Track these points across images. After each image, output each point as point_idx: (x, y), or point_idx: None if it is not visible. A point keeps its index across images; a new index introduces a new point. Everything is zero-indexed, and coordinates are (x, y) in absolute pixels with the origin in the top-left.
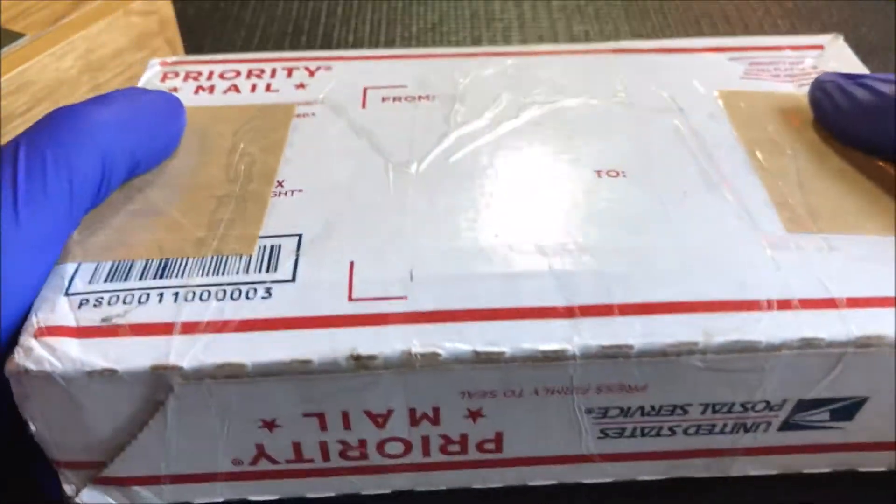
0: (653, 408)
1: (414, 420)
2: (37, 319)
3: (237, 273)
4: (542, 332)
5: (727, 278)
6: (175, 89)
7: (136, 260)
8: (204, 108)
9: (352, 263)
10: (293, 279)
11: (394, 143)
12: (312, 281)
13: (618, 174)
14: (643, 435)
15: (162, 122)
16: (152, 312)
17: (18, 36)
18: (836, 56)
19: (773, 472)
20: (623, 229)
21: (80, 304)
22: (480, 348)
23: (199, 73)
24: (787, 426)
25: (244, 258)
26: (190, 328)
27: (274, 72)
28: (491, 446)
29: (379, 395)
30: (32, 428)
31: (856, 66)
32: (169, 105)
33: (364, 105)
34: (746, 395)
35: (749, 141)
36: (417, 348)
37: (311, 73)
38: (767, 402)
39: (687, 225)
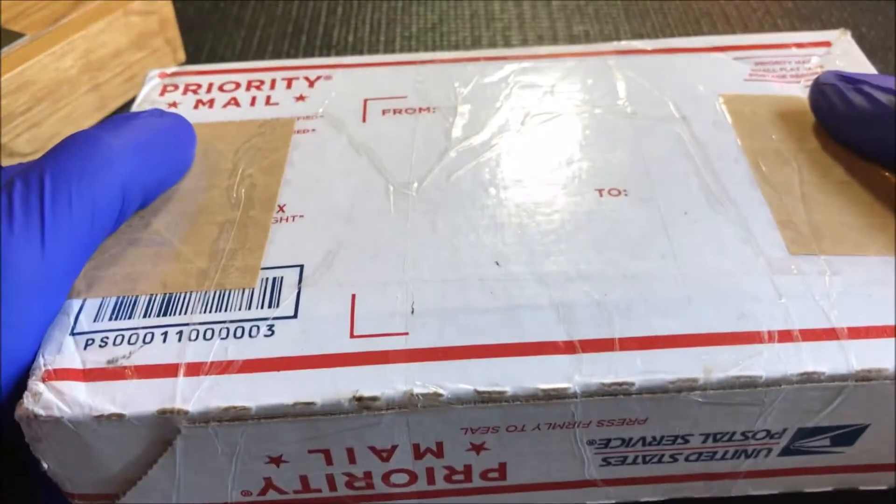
0: (654, 438)
1: (418, 454)
2: (44, 361)
3: (239, 309)
4: (544, 370)
5: (728, 308)
6: (175, 104)
7: (139, 295)
8: (204, 124)
9: (353, 296)
10: (295, 315)
11: (394, 161)
12: (314, 317)
13: (619, 193)
14: (645, 462)
15: (176, 150)
16: (157, 353)
17: (18, 36)
18: (843, 54)
19: (775, 492)
20: (624, 254)
21: (86, 345)
22: (482, 388)
23: (199, 86)
24: (787, 451)
25: (247, 292)
26: (194, 369)
27: (273, 83)
28: (495, 475)
29: (382, 432)
30: (45, 465)
31: (863, 64)
32: (182, 131)
33: (364, 119)
34: (747, 425)
35: (753, 151)
36: (419, 389)
37: (311, 84)
38: (768, 431)
39: (688, 248)
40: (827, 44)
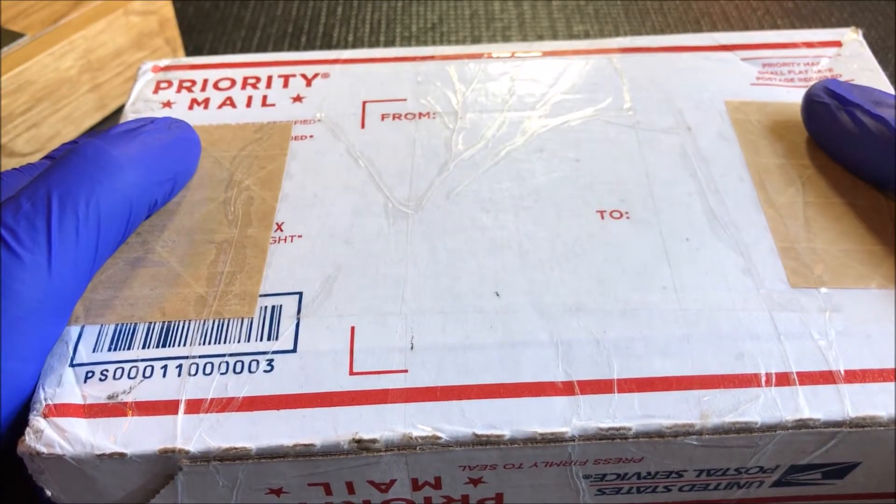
0: (649, 473)
1: (416, 486)
2: (45, 395)
3: (238, 341)
4: (542, 412)
5: (727, 347)
6: (169, 104)
7: (138, 323)
8: (200, 128)
9: (352, 329)
10: (294, 349)
11: (394, 174)
12: (314, 351)
13: (621, 215)
14: (639, 492)
15: (183, 164)
16: (157, 388)
17: (18, 36)
18: (853, 56)
19: None
20: (625, 285)
21: (86, 377)
22: (480, 431)
23: (193, 83)
24: (779, 483)
25: (245, 322)
26: (195, 406)
27: (270, 80)
28: (492, 503)
29: (381, 469)
30: (48, 493)
31: (872, 67)
32: (190, 145)
33: (363, 125)
34: (740, 462)
35: (758, 168)
36: (418, 431)
37: (308, 82)
38: (761, 468)
39: (689, 280)
40: (837, 43)
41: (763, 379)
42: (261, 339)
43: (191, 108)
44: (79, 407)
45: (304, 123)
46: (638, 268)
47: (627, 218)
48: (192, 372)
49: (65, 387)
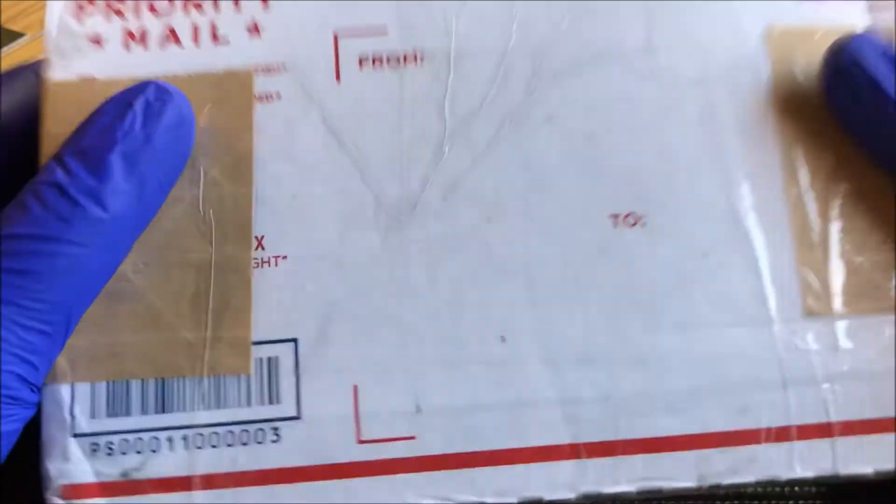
0: None
1: None
2: (55, 471)
3: (239, 405)
4: (549, 478)
5: (733, 401)
6: (99, 41)
7: (131, 382)
8: (144, 80)
9: (355, 389)
10: (299, 416)
11: (382, 160)
12: (319, 417)
13: (636, 221)
14: None
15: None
16: (167, 463)
17: (18, 36)
18: None
19: None
20: (636, 323)
21: (93, 451)
22: (490, 500)
23: (122, 1)
24: None
25: (243, 381)
26: (208, 482)
27: (216, 1)
28: None
29: None
30: None
31: None
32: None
33: (338, 75)
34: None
35: (790, 145)
36: (428, 501)
37: (265, 2)
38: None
39: (703, 314)
40: None
41: (763, 435)
42: (262, 403)
43: (126, 46)
44: (94, 486)
45: (267, 74)
46: (650, 298)
47: (643, 225)
48: (199, 444)
49: (73, 462)
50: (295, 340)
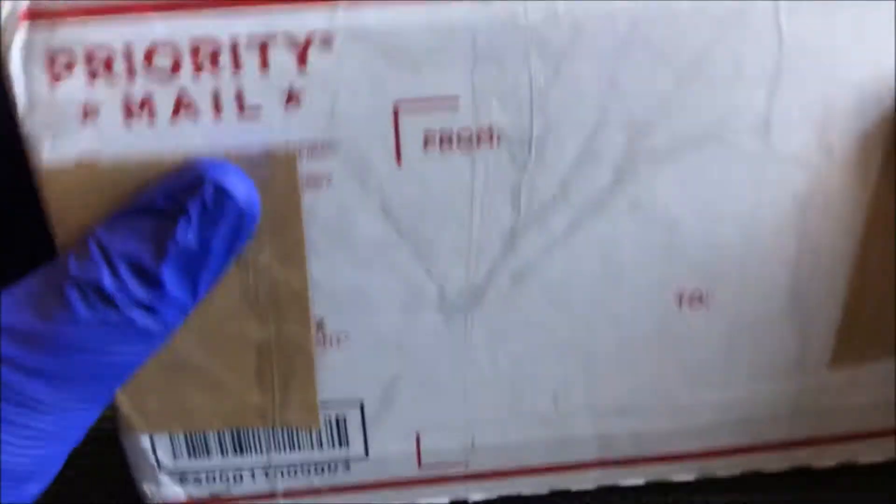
0: None
1: None
2: (149, 490)
3: (312, 448)
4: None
5: None
6: (93, 113)
7: (208, 433)
8: (155, 164)
9: (418, 438)
10: (367, 455)
11: (447, 250)
12: (384, 456)
13: (701, 301)
14: None
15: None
16: (252, 488)
17: None
18: None
19: None
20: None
21: (182, 480)
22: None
23: (111, 60)
24: None
25: (314, 431)
26: (290, 495)
27: (237, 52)
28: None
29: None
30: None
31: None
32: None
33: (399, 157)
34: None
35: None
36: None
37: (302, 58)
38: None
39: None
40: None
41: None
42: (332, 447)
43: (129, 117)
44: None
45: (312, 156)
46: (693, 370)
47: (706, 306)
48: (278, 475)
49: (164, 486)
50: (361, 402)
